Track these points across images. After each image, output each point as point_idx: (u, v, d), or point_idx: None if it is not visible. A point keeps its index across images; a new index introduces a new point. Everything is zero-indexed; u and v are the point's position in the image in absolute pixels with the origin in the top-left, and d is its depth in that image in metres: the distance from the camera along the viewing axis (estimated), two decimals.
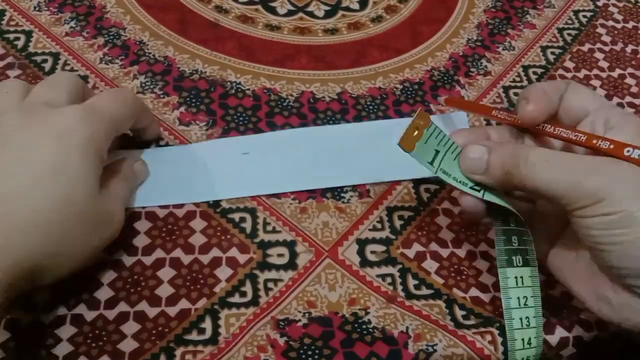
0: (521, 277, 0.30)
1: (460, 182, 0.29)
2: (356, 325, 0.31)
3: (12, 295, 0.25)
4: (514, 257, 0.30)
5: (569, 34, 0.49)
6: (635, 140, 0.27)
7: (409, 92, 0.42)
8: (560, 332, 0.32)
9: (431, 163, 0.29)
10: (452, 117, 0.41)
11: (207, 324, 0.30)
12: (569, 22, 0.50)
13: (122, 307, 0.30)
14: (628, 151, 0.26)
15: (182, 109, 0.39)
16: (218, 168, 0.36)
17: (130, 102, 0.33)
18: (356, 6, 0.49)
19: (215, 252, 0.33)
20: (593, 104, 0.30)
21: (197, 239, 0.33)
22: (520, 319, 0.29)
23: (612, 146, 0.27)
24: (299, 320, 0.31)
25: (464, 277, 0.34)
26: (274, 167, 0.37)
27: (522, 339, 0.29)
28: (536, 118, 0.30)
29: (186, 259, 0.32)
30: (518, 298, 0.30)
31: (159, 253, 0.33)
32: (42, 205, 0.26)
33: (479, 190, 0.29)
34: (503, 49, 0.47)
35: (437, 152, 0.29)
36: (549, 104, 0.30)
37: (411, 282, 0.33)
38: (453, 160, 0.29)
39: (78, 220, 0.27)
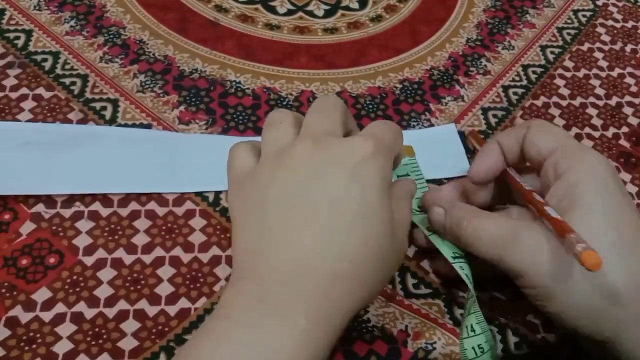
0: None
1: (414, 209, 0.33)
2: (355, 323, 0.31)
3: None
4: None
5: (568, 34, 0.49)
6: (580, 179, 0.28)
7: (408, 92, 0.43)
8: (559, 332, 0.32)
9: (398, 176, 0.35)
10: (442, 130, 0.40)
11: None
12: (569, 21, 0.50)
13: (122, 305, 0.30)
14: (572, 237, 0.24)
15: (182, 107, 0.39)
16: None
17: (398, 129, 0.30)
18: (356, 5, 0.49)
19: (215, 251, 0.33)
20: (550, 145, 0.29)
21: (197, 238, 0.33)
22: (466, 326, 0.29)
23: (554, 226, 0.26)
24: None
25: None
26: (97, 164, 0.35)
27: (473, 348, 0.29)
28: (482, 179, 0.32)
29: (186, 258, 0.33)
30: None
31: (158, 251, 0.33)
32: (358, 257, 0.25)
33: (418, 212, 0.33)
34: (502, 49, 0.47)
35: (408, 175, 0.35)
36: (493, 164, 0.31)
37: (410, 281, 0.33)
38: (418, 189, 0.34)
39: (385, 262, 0.27)
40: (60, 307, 0.30)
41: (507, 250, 0.27)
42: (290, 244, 0.25)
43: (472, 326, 0.29)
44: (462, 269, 0.30)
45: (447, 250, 0.31)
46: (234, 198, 0.29)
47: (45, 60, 0.40)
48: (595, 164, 0.28)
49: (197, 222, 0.34)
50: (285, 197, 0.26)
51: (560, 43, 0.48)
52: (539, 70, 0.46)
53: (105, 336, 0.29)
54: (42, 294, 0.30)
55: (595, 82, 0.46)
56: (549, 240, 0.26)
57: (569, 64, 0.47)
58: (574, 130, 0.42)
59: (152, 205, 0.34)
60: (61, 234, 0.32)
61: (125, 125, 0.37)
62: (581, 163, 0.28)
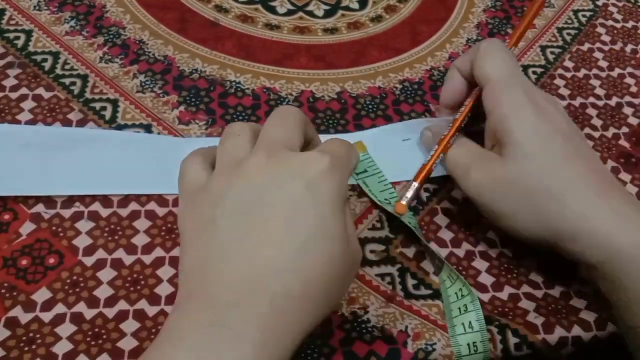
0: (460, 290, 0.32)
1: (374, 195, 0.36)
2: (355, 324, 0.31)
3: None
4: (449, 274, 0.33)
5: (568, 34, 0.49)
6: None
7: (408, 92, 0.43)
8: (559, 332, 0.32)
9: (357, 174, 0.37)
10: (414, 123, 0.40)
11: None
12: (569, 21, 0.50)
13: (122, 305, 0.30)
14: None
15: (182, 108, 0.39)
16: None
17: (352, 145, 0.30)
18: (356, 6, 0.49)
19: None
20: (488, 73, 0.33)
21: None
22: (463, 324, 0.29)
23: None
24: None
25: (462, 277, 0.34)
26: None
27: (468, 344, 0.29)
28: (449, 103, 0.37)
29: None
30: (459, 308, 0.31)
31: (158, 252, 0.33)
32: (311, 274, 0.24)
33: (389, 203, 0.35)
34: None
35: (366, 170, 0.37)
36: (457, 88, 0.37)
37: (410, 281, 0.33)
38: (377, 183, 0.36)
39: (340, 278, 0.26)
40: (60, 308, 0.30)
41: (464, 176, 0.33)
42: (243, 260, 0.24)
43: (470, 323, 0.29)
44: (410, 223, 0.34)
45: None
46: (184, 213, 0.28)
47: (45, 60, 0.40)
48: (516, 94, 0.32)
49: None
50: (238, 210, 0.25)
51: (560, 43, 0.48)
52: (539, 70, 0.46)
53: (105, 336, 0.29)
54: (41, 295, 0.30)
55: (595, 82, 0.46)
56: (494, 167, 0.32)
57: (569, 64, 0.47)
58: None
59: (152, 206, 0.34)
60: (61, 234, 0.32)
61: (125, 126, 0.37)
62: (506, 99, 0.32)
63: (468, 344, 0.29)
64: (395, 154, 0.38)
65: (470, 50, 0.35)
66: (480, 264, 0.35)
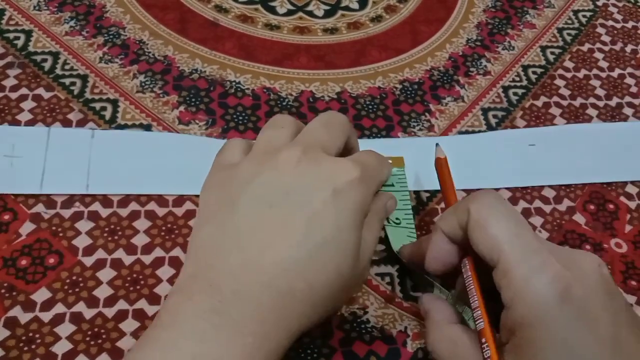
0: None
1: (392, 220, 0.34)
2: (355, 324, 0.31)
3: None
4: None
5: (568, 34, 0.49)
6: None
7: (408, 92, 0.43)
8: None
9: (384, 186, 0.34)
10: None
11: None
12: (569, 22, 0.50)
13: (121, 305, 0.30)
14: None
15: (182, 108, 0.39)
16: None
17: (386, 160, 0.30)
18: (356, 6, 0.49)
19: None
20: (493, 253, 0.24)
21: None
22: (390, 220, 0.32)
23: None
24: None
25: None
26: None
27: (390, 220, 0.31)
28: (437, 271, 0.29)
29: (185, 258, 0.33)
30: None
31: (158, 252, 0.33)
32: (317, 280, 0.24)
33: (398, 223, 0.34)
34: (503, 49, 0.47)
35: (393, 185, 0.35)
36: (445, 256, 0.28)
37: (409, 282, 0.33)
38: (398, 200, 0.34)
39: (343, 290, 0.26)
40: (59, 308, 0.30)
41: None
42: (254, 251, 0.24)
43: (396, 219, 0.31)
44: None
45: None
46: (209, 187, 0.27)
47: (45, 60, 0.40)
48: (542, 301, 0.23)
49: None
50: (261, 199, 0.25)
51: (561, 43, 0.48)
52: (539, 70, 0.46)
53: (104, 336, 0.29)
54: (41, 294, 0.30)
55: (595, 82, 0.46)
56: None
57: (569, 64, 0.47)
58: None
59: (152, 206, 0.34)
60: (61, 234, 0.32)
61: (125, 126, 0.37)
62: (524, 298, 0.23)
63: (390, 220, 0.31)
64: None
65: (456, 210, 0.27)
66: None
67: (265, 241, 0.24)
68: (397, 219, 0.34)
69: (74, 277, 0.31)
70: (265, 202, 0.25)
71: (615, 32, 0.50)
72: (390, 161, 0.35)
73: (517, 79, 0.45)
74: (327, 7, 0.48)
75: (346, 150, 0.30)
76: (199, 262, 0.25)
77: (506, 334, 0.24)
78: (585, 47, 0.48)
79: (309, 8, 0.48)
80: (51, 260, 0.31)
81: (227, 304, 0.23)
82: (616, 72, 0.47)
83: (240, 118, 0.39)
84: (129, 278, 0.31)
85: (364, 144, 0.33)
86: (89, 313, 0.30)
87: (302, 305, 0.24)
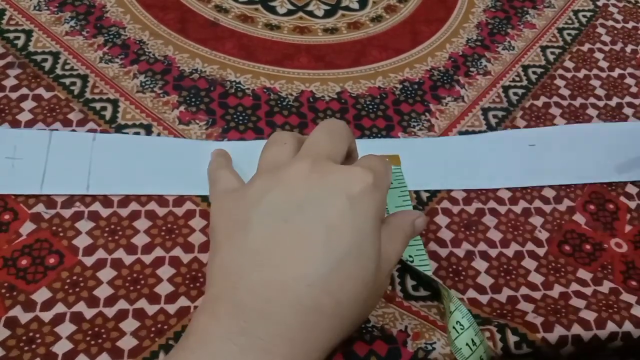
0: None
1: (386, 208, 0.33)
2: None
3: None
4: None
5: (568, 34, 0.49)
6: None
7: (408, 92, 0.43)
8: (559, 331, 0.32)
9: None
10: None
11: None
12: (569, 22, 0.50)
13: (122, 304, 0.30)
14: None
15: (182, 108, 0.39)
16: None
17: (389, 163, 0.30)
18: (356, 6, 0.49)
19: None
20: None
21: (197, 238, 0.33)
22: (454, 327, 0.29)
23: None
24: None
25: (462, 277, 0.34)
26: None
27: (467, 344, 0.29)
28: None
29: (185, 258, 0.33)
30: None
31: (158, 252, 0.33)
32: (343, 294, 0.24)
33: None
34: (503, 49, 0.47)
35: (392, 183, 0.33)
36: None
37: (409, 282, 0.33)
38: (397, 197, 0.34)
39: (369, 301, 0.26)
40: (59, 307, 0.30)
41: None
42: (275, 268, 0.23)
43: (459, 323, 0.29)
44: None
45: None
46: (217, 215, 0.27)
47: (45, 60, 0.40)
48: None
49: (197, 222, 0.34)
50: (275, 216, 0.24)
51: (561, 43, 0.48)
52: (539, 70, 0.46)
53: (104, 336, 0.29)
54: (41, 294, 0.30)
55: (595, 82, 0.46)
56: None
57: (569, 64, 0.47)
58: None
59: (152, 206, 0.34)
60: (61, 234, 0.32)
61: (125, 126, 0.37)
62: None
63: (467, 344, 0.29)
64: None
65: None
66: (480, 264, 0.35)
67: (284, 258, 0.24)
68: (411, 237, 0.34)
69: (74, 277, 0.31)
70: (279, 218, 0.24)
71: (616, 32, 0.50)
72: (387, 160, 0.35)
73: (517, 79, 0.45)
74: (327, 7, 0.48)
75: (346, 155, 0.30)
76: (221, 284, 0.24)
77: None
78: (586, 47, 0.48)
79: (309, 8, 0.48)
80: (51, 260, 0.31)
81: (253, 324, 0.22)
82: (616, 72, 0.47)
83: (241, 118, 0.39)
84: (129, 278, 0.31)
85: (363, 144, 0.33)
86: (89, 313, 0.30)
87: (330, 321, 0.23)
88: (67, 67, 0.40)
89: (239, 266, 0.24)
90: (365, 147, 0.33)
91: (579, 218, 0.38)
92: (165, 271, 0.32)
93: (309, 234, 0.24)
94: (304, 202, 0.25)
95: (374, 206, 0.25)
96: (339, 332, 0.24)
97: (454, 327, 0.29)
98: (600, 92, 0.45)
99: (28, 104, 0.38)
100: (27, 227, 0.32)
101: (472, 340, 0.29)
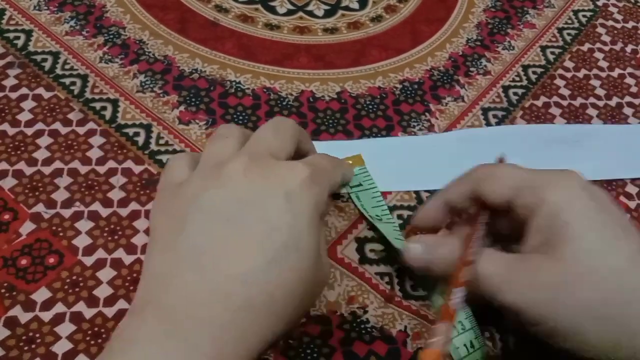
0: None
1: (365, 210, 0.35)
2: (354, 324, 0.31)
3: None
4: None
5: (568, 34, 0.49)
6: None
7: (408, 92, 0.43)
8: None
9: (351, 187, 0.36)
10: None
11: None
12: (569, 21, 0.50)
13: (121, 304, 0.30)
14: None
15: (182, 108, 0.39)
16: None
17: (339, 160, 0.30)
18: (356, 6, 0.49)
19: None
20: (512, 187, 0.28)
21: None
22: (454, 326, 0.29)
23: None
24: None
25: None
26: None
27: (465, 345, 0.29)
28: (423, 227, 0.32)
29: None
30: None
31: None
32: (278, 289, 0.23)
33: (380, 220, 0.34)
34: (503, 49, 0.47)
35: (361, 184, 0.36)
36: (434, 215, 0.31)
37: (408, 281, 0.33)
38: (370, 198, 0.35)
39: (306, 297, 0.25)
40: (59, 307, 0.30)
41: (503, 287, 0.26)
42: (210, 269, 0.23)
43: (462, 323, 0.29)
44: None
45: (391, 238, 0.32)
46: (157, 209, 0.26)
47: (45, 60, 0.40)
48: (568, 186, 0.27)
49: None
50: (212, 215, 0.24)
51: (561, 43, 0.48)
52: (539, 70, 0.46)
53: (104, 335, 0.29)
54: (41, 294, 0.30)
55: (595, 82, 0.46)
56: (543, 271, 0.25)
57: (569, 64, 0.47)
58: None
59: (151, 206, 0.34)
60: (61, 234, 0.32)
61: (125, 125, 0.37)
62: (554, 190, 0.26)
63: (465, 344, 0.29)
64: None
65: (459, 184, 0.31)
66: None
67: (220, 256, 0.23)
68: (377, 215, 0.34)
69: (74, 277, 0.31)
70: (216, 216, 0.24)
71: (616, 32, 0.50)
72: (350, 162, 0.36)
73: (517, 78, 0.45)
74: (327, 7, 0.48)
75: (301, 156, 0.29)
76: (152, 287, 0.24)
77: (528, 245, 0.27)
78: (585, 47, 0.48)
79: (309, 8, 0.48)
80: (51, 260, 0.31)
81: (181, 326, 0.22)
82: (616, 72, 0.47)
83: (241, 118, 0.39)
84: (129, 278, 0.31)
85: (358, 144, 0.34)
86: (89, 313, 0.30)
87: (262, 318, 0.23)
88: (67, 67, 0.40)
89: (173, 268, 0.23)
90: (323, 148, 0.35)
91: None
92: None
93: (246, 232, 0.23)
94: (242, 199, 0.24)
95: (311, 200, 0.25)
96: (273, 329, 0.24)
97: (454, 326, 0.29)
98: (600, 92, 0.45)
99: (28, 104, 0.38)
100: (27, 227, 0.32)
101: (471, 343, 0.29)
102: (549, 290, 0.25)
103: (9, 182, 0.34)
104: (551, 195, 0.26)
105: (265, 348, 0.24)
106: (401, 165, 0.38)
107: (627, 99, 0.45)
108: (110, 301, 0.31)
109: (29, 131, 0.36)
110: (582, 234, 0.25)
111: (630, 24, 0.51)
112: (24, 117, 0.37)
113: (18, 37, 0.41)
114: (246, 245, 0.23)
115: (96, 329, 0.30)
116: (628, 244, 0.25)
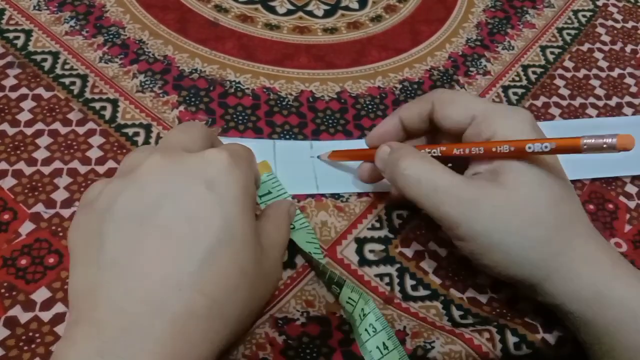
0: (350, 297, 0.31)
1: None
2: None
3: None
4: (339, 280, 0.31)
5: (568, 34, 0.49)
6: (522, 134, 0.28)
7: (408, 92, 0.43)
8: (558, 331, 0.32)
9: (260, 196, 0.34)
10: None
11: None
12: (569, 21, 0.50)
13: None
14: (529, 147, 0.27)
15: (182, 107, 0.39)
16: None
17: (249, 148, 0.28)
18: (355, 5, 0.49)
19: None
20: (467, 114, 0.30)
21: None
22: (366, 329, 0.29)
23: (512, 148, 0.27)
24: (297, 319, 0.31)
25: (461, 277, 0.34)
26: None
27: (377, 347, 0.29)
28: (374, 144, 0.33)
29: None
30: (359, 315, 0.30)
31: None
32: (219, 289, 0.22)
33: (292, 228, 0.33)
34: (502, 49, 0.47)
35: (270, 192, 0.35)
36: (386, 132, 0.33)
37: (408, 282, 0.33)
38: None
39: (253, 292, 0.23)
40: (59, 307, 0.30)
41: (446, 200, 0.28)
42: (136, 278, 0.21)
43: (372, 325, 0.29)
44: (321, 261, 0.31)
45: (304, 244, 0.32)
46: (71, 233, 0.24)
47: (44, 60, 0.40)
48: (520, 121, 0.29)
49: None
50: (129, 221, 0.22)
51: (560, 43, 0.48)
52: (538, 70, 0.46)
53: None
54: (41, 294, 0.30)
55: (595, 82, 0.46)
56: (487, 193, 0.27)
57: (569, 64, 0.47)
58: None
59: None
60: (60, 234, 0.32)
61: (125, 125, 0.37)
62: (506, 125, 0.29)
63: (377, 347, 0.28)
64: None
65: (416, 104, 0.32)
66: None
67: (147, 262, 0.21)
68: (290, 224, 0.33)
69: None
70: (133, 222, 0.22)
71: (615, 32, 0.50)
72: (249, 148, 0.34)
73: (517, 78, 0.45)
74: (327, 7, 0.48)
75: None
76: (80, 306, 0.22)
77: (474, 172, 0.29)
78: (585, 47, 0.48)
79: (309, 8, 0.48)
80: (51, 260, 0.31)
81: (114, 343, 0.20)
82: (616, 72, 0.47)
83: (240, 118, 0.39)
84: None
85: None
86: None
87: (207, 323, 0.21)
88: (66, 66, 0.40)
89: (98, 283, 0.21)
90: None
91: None
92: None
93: (171, 230, 0.22)
94: (159, 197, 0.22)
95: (237, 184, 0.23)
96: (221, 333, 0.22)
97: (365, 330, 0.29)
98: (600, 91, 0.45)
99: (28, 104, 0.38)
100: (26, 227, 0.32)
101: (384, 344, 0.29)
102: (488, 211, 0.27)
103: (8, 182, 0.34)
104: (502, 129, 0.28)
105: (219, 354, 0.22)
106: (309, 170, 0.38)
107: (627, 98, 0.45)
108: None
109: (29, 131, 0.36)
110: (523, 168, 0.28)
111: (630, 24, 0.51)
112: (24, 117, 0.37)
113: (18, 37, 0.41)
114: (173, 246, 0.22)
115: None
116: (557, 182, 0.28)
